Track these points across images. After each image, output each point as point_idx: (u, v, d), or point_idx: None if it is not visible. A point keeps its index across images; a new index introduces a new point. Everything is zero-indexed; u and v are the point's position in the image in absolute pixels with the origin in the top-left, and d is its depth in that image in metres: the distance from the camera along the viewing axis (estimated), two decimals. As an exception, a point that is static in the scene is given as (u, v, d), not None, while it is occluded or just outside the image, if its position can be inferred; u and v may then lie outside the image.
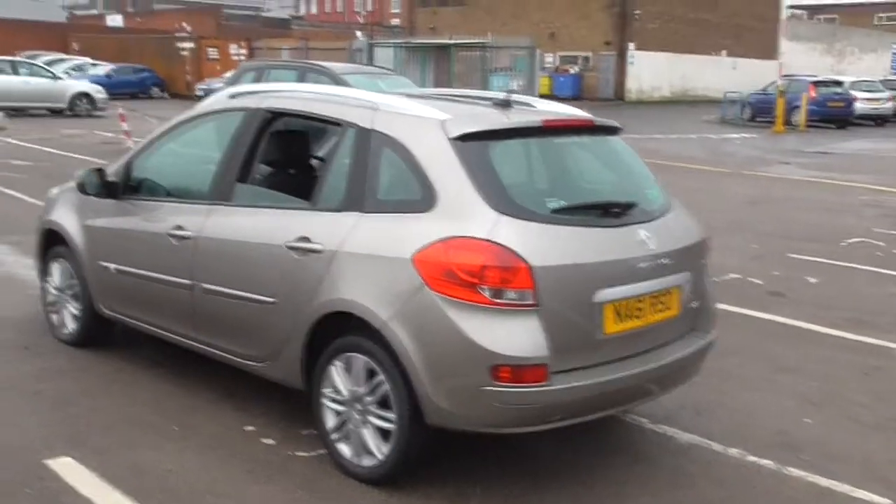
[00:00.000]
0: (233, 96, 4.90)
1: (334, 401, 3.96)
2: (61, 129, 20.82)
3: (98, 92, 26.47)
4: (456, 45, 29.95)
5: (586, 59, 44.22)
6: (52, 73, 26.64)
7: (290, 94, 4.66)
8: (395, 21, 64.48)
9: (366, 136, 3.98)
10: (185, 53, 38.27)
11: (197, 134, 5.08)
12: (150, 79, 38.17)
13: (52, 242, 5.63)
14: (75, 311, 5.50)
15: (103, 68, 36.23)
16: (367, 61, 26.49)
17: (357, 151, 4.00)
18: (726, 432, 4.59)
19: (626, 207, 3.96)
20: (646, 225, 3.94)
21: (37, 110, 25.35)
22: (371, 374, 3.77)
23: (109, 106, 25.49)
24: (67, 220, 5.46)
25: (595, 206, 3.93)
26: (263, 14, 76.53)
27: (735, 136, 25.38)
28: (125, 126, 15.54)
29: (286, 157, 4.81)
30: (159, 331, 4.92)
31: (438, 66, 29.05)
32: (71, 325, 5.56)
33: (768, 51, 49.25)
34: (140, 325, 5.06)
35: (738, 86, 33.96)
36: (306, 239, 3.98)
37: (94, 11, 71.54)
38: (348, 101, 4.27)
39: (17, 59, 26.94)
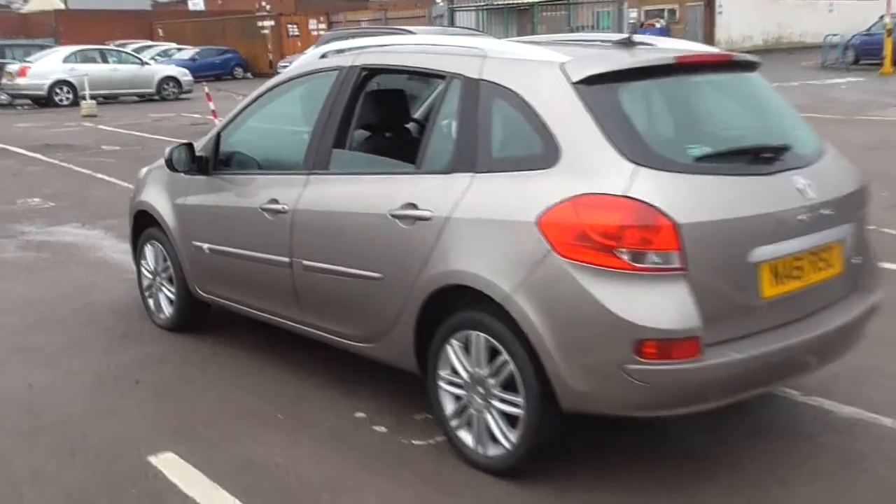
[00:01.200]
0: (323, 56, 4.52)
1: (452, 384, 3.57)
2: (150, 114, 21.03)
3: (184, 75, 26.77)
4: (539, 3, 29.12)
5: (672, 11, 42.64)
6: (139, 59, 27.03)
7: (386, 48, 4.25)
8: (473, -14, 63.45)
9: (474, 88, 3.54)
10: (265, 32, 38.46)
11: (287, 100, 4.73)
12: (233, 59, 38.46)
13: (144, 224, 5.39)
14: (170, 295, 5.26)
15: (188, 52, 36.66)
16: (449, 25, 25.98)
17: (465, 105, 3.57)
18: (892, 403, 4.04)
19: (779, 151, 3.42)
20: (801, 171, 3.40)
21: (127, 97, 25.73)
22: (493, 353, 3.36)
23: (195, 88, 25.72)
24: (158, 199, 5.20)
25: (743, 152, 3.41)
26: (340, -12, 76.36)
27: (840, 80, 23.93)
28: (212, 106, 15.48)
29: (386, 118, 4.42)
30: (258, 313, 4.61)
31: (521, 27, 28.36)
32: (167, 310, 5.32)
33: (867, -10, 46.58)
34: (238, 308, 4.77)
35: (836, 29, 32.11)
36: (413, 206, 3.58)
37: (177, -3, 72.62)
38: (451, 50, 3.84)
39: (106, 47, 27.36)
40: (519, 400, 3.30)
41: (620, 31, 30.49)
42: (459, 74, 3.63)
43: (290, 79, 4.57)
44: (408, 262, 3.60)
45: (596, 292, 3.03)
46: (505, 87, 3.45)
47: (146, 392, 4.43)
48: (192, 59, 35.24)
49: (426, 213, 3.52)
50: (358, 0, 58.33)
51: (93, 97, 21.67)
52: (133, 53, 28.09)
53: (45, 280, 6.61)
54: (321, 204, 4.04)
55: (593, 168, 3.15)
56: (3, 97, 25.09)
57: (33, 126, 18.91)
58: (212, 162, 4.76)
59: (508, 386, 3.34)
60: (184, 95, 26.06)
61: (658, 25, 41.98)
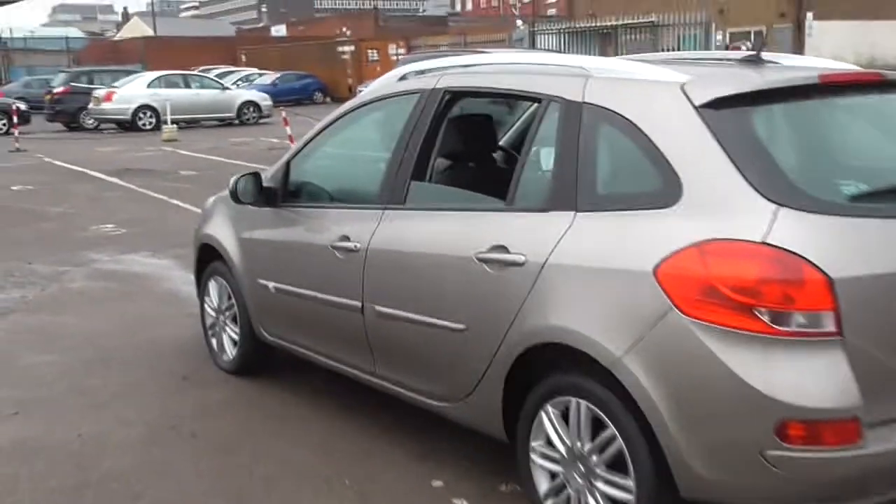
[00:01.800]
0: (402, 78, 4.08)
1: (547, 458, 3.06)
2: (229, 138, 21.09)
3: (264, 100, 26.92)
4: (623, 25, 28.49)
5: (759, 33, 41.43)
6: (220, 84, 27.31)
7: (473, 68, 3.79)
8: (552, 11, 63.15)
9: (576, 112, 3.05)
10: (345, 57, 38.70)
11: (362, 127, 4.32)
12: (313, 84, 38.76)
13: (208, 258, 5.03)
14: (234, 336, 4.87)
15: (269, 77, 37.07)
16: (530, 48, 25.58)
17: (565, 133, 3.07)
18: None
19: (953, 191, 2.83)
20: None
21: (208, 121, 25.96)
22: (598, 425, 2.84)
23: (275, 113, 25.83)
24: (222, 232, 4.83)
25: (908, 190, 2.84)
26: (420, 14, 77.06)
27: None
28: (289, 130, 15.32)
29: (470, 147, 3.96)
30: (327, 360, 4.17)
31: (603, 51, 27.75)
32: (231, 352, 4.93)
33: (968, 9, 44.56)
34: (306, 354, 4.34)
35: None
36: (503, 248, 3.09)
37: (260, 24, 74.20)
38: (548, 70, 3.36)
39: (188, 72, 27.74)
40: (628, 483, 2.77)
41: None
42: (558, 97, 3.14)
43: (366, 103, 4.15)
44: (496, 313, 3.11)
45: (728, 360, 2.49)
46: (613, 112, 2.94)
47: (203, 446, 4.03)
48: (273, 84, 35.59)
49: (518, 258, 3.03)
50: (438, 25, 58.55)
51: (174, 122, 21.89)
52: (214, 79, 28.42)
53: (110, 313, 6.32)
54: (397, 243, 3.59)
55: (724, 208, 2.62)
56: (90, 121, 25.58)
57: (114, 150, 19.09)
58: (280, 193, 4.36)
59: (615, 465, 2.81)
60: (263, 120, 26.17)
61: (744, 48, 40.88)
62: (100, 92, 24.63)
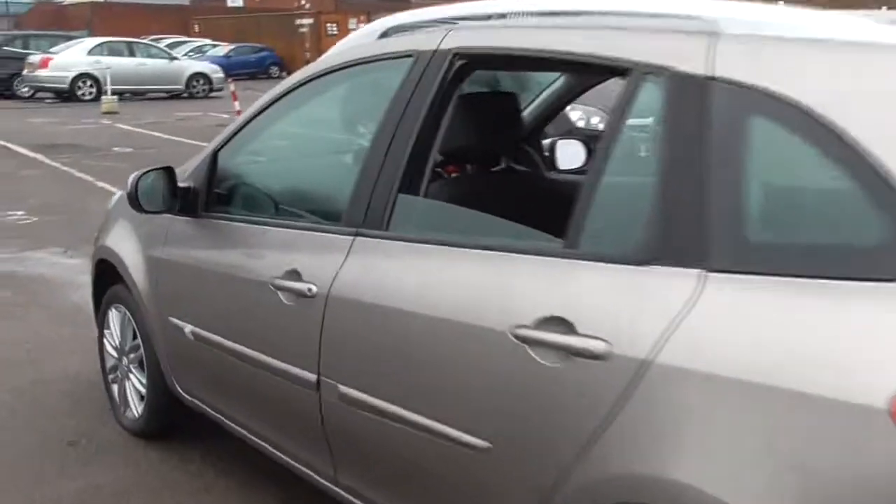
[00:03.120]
0: (384, 34, 2.76)
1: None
2: (175, 112, 19.45)
3: (215, 72, 25.28)
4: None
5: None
6: (168, 54, 25.58)
7: (499, 21, 2.45)
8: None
9: (696, 94, 1.77)
10: (303, 30, 37.11)
11: (322, 106, 3.02)
12: (269, 58, 37.04)
13: (110, 278, 3.68)
14: (141, 388, 3.54)
15: (222, 49, 35.35)
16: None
17: (678, 128, 1.79)
18: None
19: None
20: None
21: (155, 93, 24.22)
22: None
23: (227, 86, 24.27)
24: (125, 246, 3.48)
25: None
26: (382, -11, 75.08)
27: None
28: (237, 105, 13.87)
29: (496, 143, 2.66)
30: (266, 447, 2.86)
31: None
32: (136, 408, 3.59)
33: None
34: (237, 431, 3.02)
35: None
36: (565, 325, 1.81)
37: (216, -6, 71.71)
38: (640, 23, 2.04)
39: (134, 40, 25.88)
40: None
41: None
42: (661, 68, 1.85)
43: (329, 71, 2.79)
44: (550, 433, 1.84)
45: None
46: (775, 97, 1.67)
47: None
48: (227, 56, 33.87)
49: (594, 346, 1.75)
50: (400, 1, 56.95)
51: (118, 93, 20.18)
52: (162, 48, 26.65)
53: (-7, 334, 4.92)
54: (374, 291, 2.29)
55: None
56: (24, 89, 23.65)
57: (46, 122, 17.38)
58: (202, 197, 3.03)
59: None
60: (214, 93, 24.52)
61: None
62: (35, 58, 22.74)
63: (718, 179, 1.71)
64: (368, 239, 2.37)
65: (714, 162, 1.71)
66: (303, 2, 43.47)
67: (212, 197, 3.03)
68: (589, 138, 5.50)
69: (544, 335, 1.84)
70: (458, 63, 2.35)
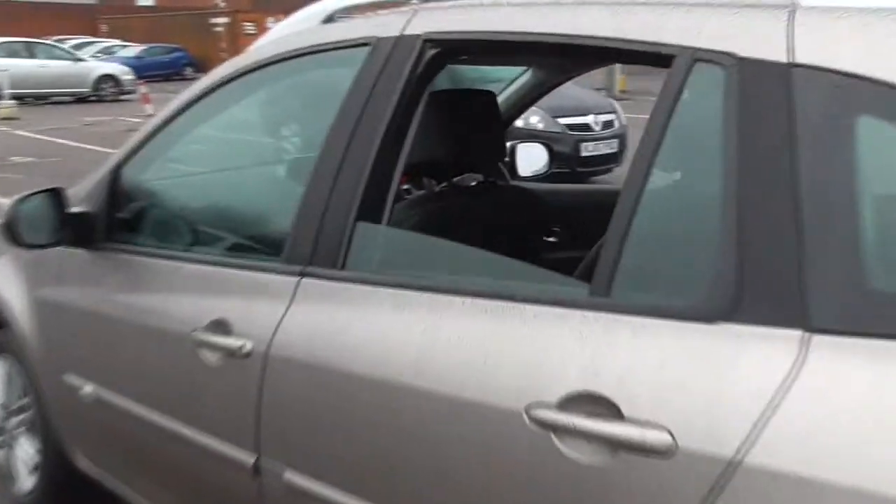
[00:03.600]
0: (330, 18, 2.20)
1: None
2: (82, 117, 18.30)
3: (124, 73, 24.10)
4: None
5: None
6: (73, 54, 24.29)
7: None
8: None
9: (772, 86, 1.29)
10: (218, 29, 35.97)
11: (252, 109, 2.45)
12: (183, 58, 35.77)
13: (-8, 320, 3.03)
14: (32, 456, 2.91)
15: (133, 49, 33.97)
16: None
17: (752, 137, 1.31)
18: None
19: None
20: None
21: (61, 96, 22.90)
22: None
23: (138, 89, 23.14)
24: (8, 286, 2.84)
25: None
26: (298, -11, 73.81)
27: None
28: (150, 109, 13.01)
29: (479, 152, 2.14)
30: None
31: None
32: (26, 481, 2.96)
33: None
34: (149, 514, 2.43)
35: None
36: (598, 403, 1.31)
37: (125, -7, 69.42)
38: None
39: (33, 41, 24.47)
40: None
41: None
42: (721, 54, 1.36)
43: (260, 66, 2.22)
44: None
45: None
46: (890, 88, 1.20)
47: None
48: (138, 58, 32.51)
49: (656, 439, 1.25)
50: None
51: (17, 97, 18.92)
52: (66, 48, 25.28)
53: None
54: (330, 351, 1.74)
55: None
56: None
57: (-63, 130, 16.17)
58: (101, 224, 2.43)
59: None
60: (124, 96, 23.29)
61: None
62: (-76, 61, 21.26)
63: (821, 201, 1.23)
64: (318, 281, 1.82)
65: (813, 177, 1.23)
66: (218, 0, 42.21)
67: (114, 224, 2.44)
68: (532, 138, 5.02)
69: (576, 420, 1.33)
70: (430, 53, 1.83)
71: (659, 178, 1.38)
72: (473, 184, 2.25)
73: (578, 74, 2.98)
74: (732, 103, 1.33)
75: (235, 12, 38.43)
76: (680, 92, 1.41)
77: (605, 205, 1.53)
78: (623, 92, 17.52)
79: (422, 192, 2.26)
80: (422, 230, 1.90)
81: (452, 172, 2.19)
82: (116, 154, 2.53)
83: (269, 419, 1.87)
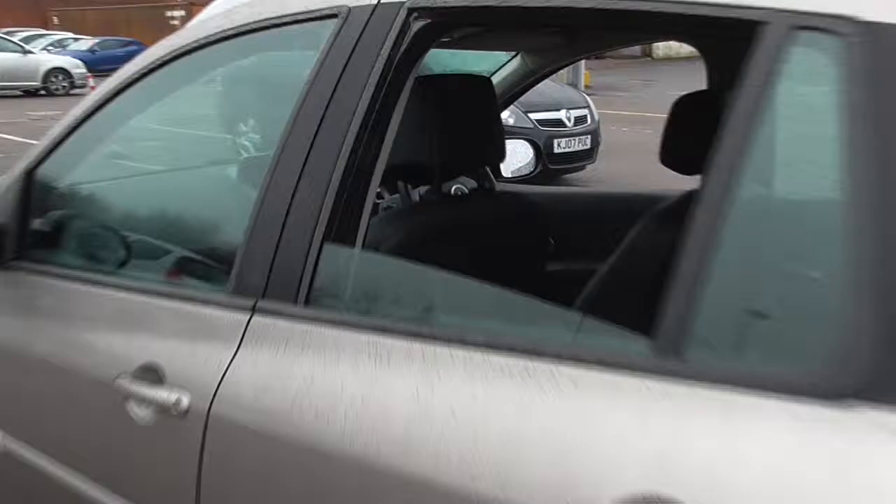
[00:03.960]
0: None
1: None
2: (30, 112, 17.63)
3: (76, 67, 23.41)
4: None
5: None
6: (21, 47, 23.48)
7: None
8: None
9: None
10: (175, 22, 35.21)
11: (193, 97, 2.03)
12: (138, 52, 34.28)
13: None
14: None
15: (86, 42, 33.03)
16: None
17: (886, 138, 0.93)
18: None
19: None
20: None
21: (8, 90, 22.08)
22: None
23: (88, 83, 22.42)
24: None
25: None
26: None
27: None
28: (101, 103, 12.36)
29: (475, 158, 1.74)
30: None
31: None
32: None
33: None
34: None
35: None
36: None
37: (78, -15, 67.93)
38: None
39: (-24, 32, 23.67)
40: None
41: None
42: (830, 18, 0.99)
43: (203, 45, 1.80)
44: None
45: None
46: None
47: None
48: (91, 51, 31.60)
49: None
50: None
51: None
52: (13, 41, 24.47)
53: None
54: (285, 416, 1.33)
55: None
56: None
57: None
58: (12, 237, 2.00)
59: None
60: (76, 90, 22.57)
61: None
62: None
63: None
64: (273, 319, 1.42)
65: None
66: (174, -8, 41.41)
67: (26, 238, 2.00)
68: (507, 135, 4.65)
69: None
70: (416, 26, 1.43)
71: (749, 191, 1.00)
72: (467, 191, 1.86)
73: (574, 62, 2.60)
74: (857, 87, 0.95)
75: (191, 5, 37.62)
76: (773, 74, 1.02)
77: (623, 213, 1.16)
78: (587, 87, 17.24)
79: (400, 200, 1.86)
80: (408, 253, 1.50)
81: (440, 176, 1.79)
82: (31, 152, 2.10)
83: (211, 491, 1.46)
